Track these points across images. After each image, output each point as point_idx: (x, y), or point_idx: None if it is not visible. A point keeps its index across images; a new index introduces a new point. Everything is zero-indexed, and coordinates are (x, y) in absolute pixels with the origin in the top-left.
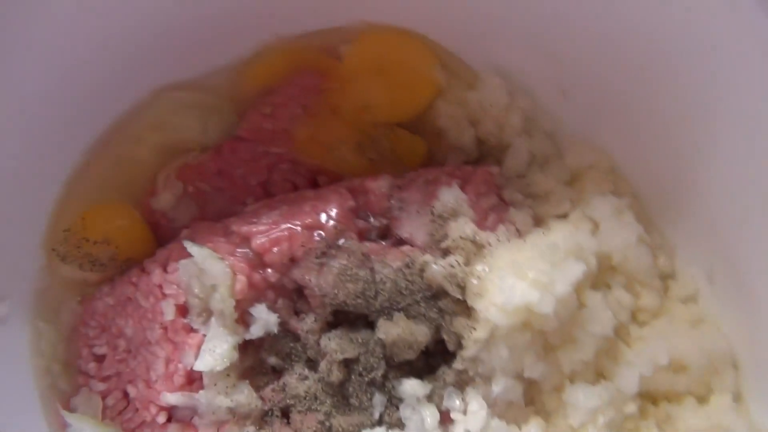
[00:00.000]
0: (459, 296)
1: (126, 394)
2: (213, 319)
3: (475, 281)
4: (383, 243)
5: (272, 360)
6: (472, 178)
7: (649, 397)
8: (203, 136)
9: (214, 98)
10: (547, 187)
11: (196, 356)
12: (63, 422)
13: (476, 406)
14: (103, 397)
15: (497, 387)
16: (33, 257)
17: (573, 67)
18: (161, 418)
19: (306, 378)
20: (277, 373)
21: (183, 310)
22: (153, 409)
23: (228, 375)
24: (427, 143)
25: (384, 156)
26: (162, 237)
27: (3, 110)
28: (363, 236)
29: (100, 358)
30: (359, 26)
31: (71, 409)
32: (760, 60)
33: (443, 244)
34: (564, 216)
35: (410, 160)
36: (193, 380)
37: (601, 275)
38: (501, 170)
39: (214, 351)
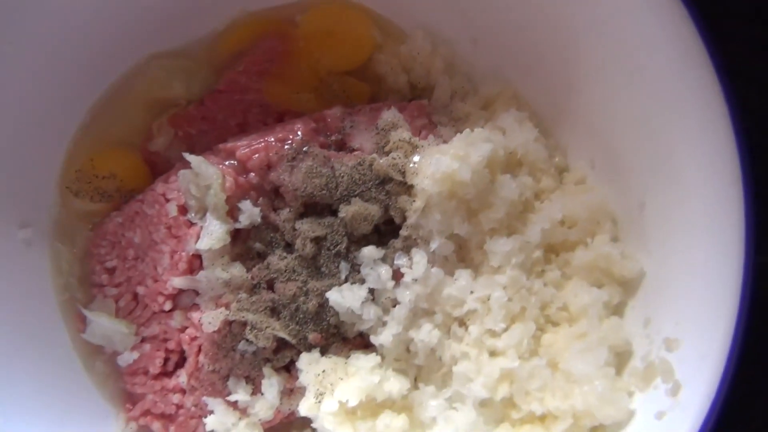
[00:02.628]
0: (401, 178)
1: (135, 296)
2: (208, 213)
3: (412, 165)
4: (340, 152)
5: (257, 246)
6: (408, 107)
7: (551, 249)
8: (187, 93)
9: (195, 63)
10: (467, 111)
11: (197, 242)
12: (82, 326)
13: (418, 257)
14: (116, 301)
15: (434, 244)
16: (51, 193)
17: (480, 21)
18: (167, 306)
19: (285, 258)
20: (261, 257)
21: (183, 210)
22: (160, 299)
23: (223, 256)
24: (371, 87)
25: (336, 98)
26: (159, 173)
27: (23, 76)
28: (324, 148)
29: (111, 270)
30: (311, 0)
31: None
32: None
33: (386, 148)
34: None
35: (358, 100)
36: (194, 268)
37: (510, 168)
38: (430, 102)
39: (211, 234)
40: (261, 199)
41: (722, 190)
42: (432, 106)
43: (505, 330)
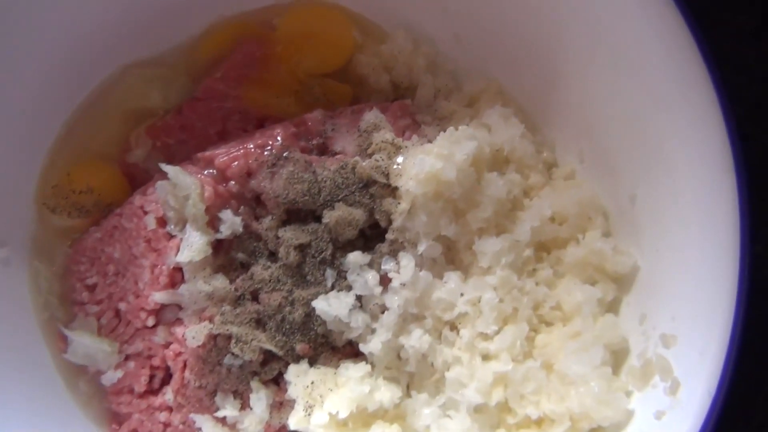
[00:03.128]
0: (384, 181)
1: (117, 312)
2: (188, 225)
3: (396, 167)
4: (322, 156)
5: (240, 256)
6: (390, 107)
7: (542, 247)
8: (165, 102)
9: (171, 71)
10: (451, 109)
11: (177, 255)
12: (63, 346)
13: (406, 261)
14: (97, 318)
15: (421, 247)
16: (27, 210)
17: (462, 16)
18: (150, 322)
19: (269, 267)
20: (245, 267)
21: (162, 222)
22: (143, 315)
23: (204, 268)
24: (352, 89)
25: (318, 101)
26: (138, 186)
27: None
28: (305, 153)
29: (91, 287)
30: (288, 2)
31: None
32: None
33: (369, 150)
34: None
35: (340, 103)
36: (176, 282)
37: (497, 166)
38: (413, 102)
39: (192, 246)
40: (242, 207)
41: (715, 179)
42: (415, 106)
43: (498, 332)
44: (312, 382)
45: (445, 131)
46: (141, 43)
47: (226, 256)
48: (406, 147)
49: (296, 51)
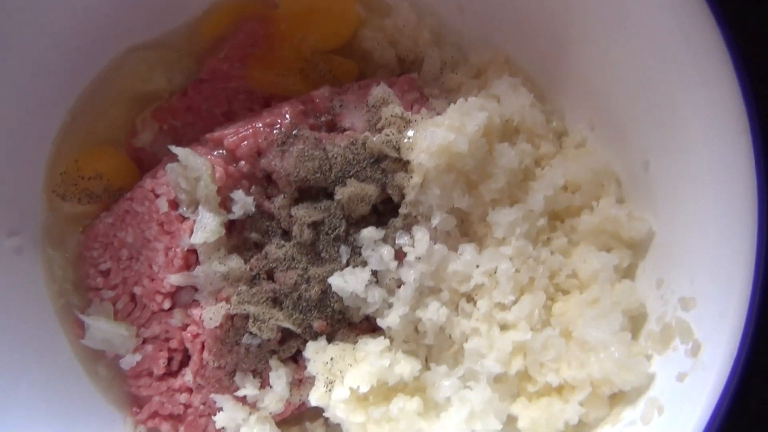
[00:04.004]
0: (396, 155)
1: (133, 296)
2: (200, 206)
3: (406, 140)
4: (331, 133)
5: (254, 236)
6: (397, 82)
7: (556, 216)
8: (169, 84)
9: (175, 53)
10: (459, 81)
11: (191, 237)
12: (80, 332)
13: (420, 234)
14: (113, 303)
15: (435, 220)
16: (38, 198)
17: None
18: (166, 305)
19: (283, 246)
20: (258, 247)
21: (174, 205)
22: (158, 298)
23: (219, 249)
24: (358, 65)
25: (324, 78)
26: (146, 170)
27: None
28: (314, 130)
29: (105, 273)
30: None
31: None
32: None
33: (378, 125)
34: None
35: (346, 79)
36: (190, 264)
37: (508, 136)
38: (420, 75)
39: (205, 227)
40: (253, 187)
41: (730, 139)
42: (422, 79)
43: (515, 302)
44: (331, 358)
45: (454, 104)
46: (142, 25)
47: (239, 236)
48: (415, 120)
49: (299, 28)
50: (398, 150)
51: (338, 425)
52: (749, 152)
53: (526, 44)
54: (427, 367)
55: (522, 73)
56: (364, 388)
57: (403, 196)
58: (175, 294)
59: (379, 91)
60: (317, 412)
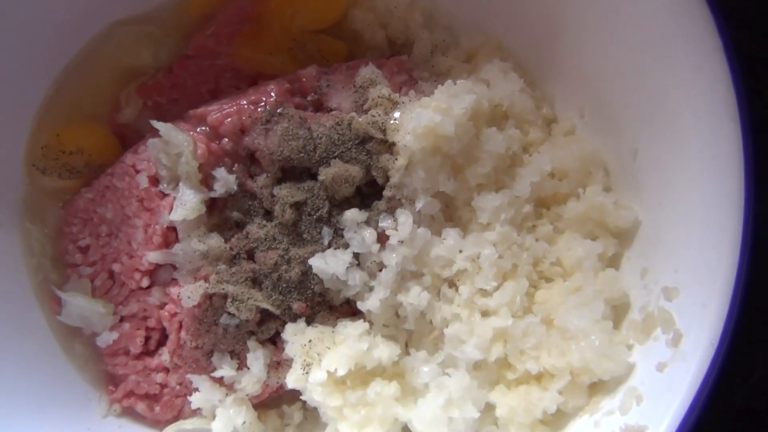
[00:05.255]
0: (381, 136)
1: (111, 273)
2: (181, 183)
3: (393, 122)
4: (317, 113)
5: (235, 215)
6: (387, 63)
7: (542, 203)
8: (155, 60)
9: (162, 28)
10: (449, 65)
11: (170, 214)
12: (57, 308)
13: (404, 218)
14: (91, 280)
15: (419, 203)
16: (18, 172)
17: None
18: (145, 283)
19: (264, 226)
20: (240, 226)
21: (154, 181)
22: (137, 276)
23: (199, 227)
24: (348, 46)
25: (312, 58)
26: (129, 146)
27: None
28: (300, 109)
29: (84, 249)
30: None
31: None
32: None
33: (365, 106)
34: None
35: (335, 60)
36: (169, 241)
37: (496, 121)
38: (410, 58)
39: (185, 204)
40: (236, 165)
41: (719, 129)
42: (412, 62)
43: (497, 288)
44: (309, 341)
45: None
46: None
47: (220, 215)
48: (402, 102)
49: (289, 6)
50: (384, 131)
51: (316, 409)
52: (738, 143)
53: (519, 30)
54: (406, 352)
55: (513, 59)
56: (341, 372)
57: (387, 179)
58: (153, 272)
59: (367, 71)
60: (295, 396)
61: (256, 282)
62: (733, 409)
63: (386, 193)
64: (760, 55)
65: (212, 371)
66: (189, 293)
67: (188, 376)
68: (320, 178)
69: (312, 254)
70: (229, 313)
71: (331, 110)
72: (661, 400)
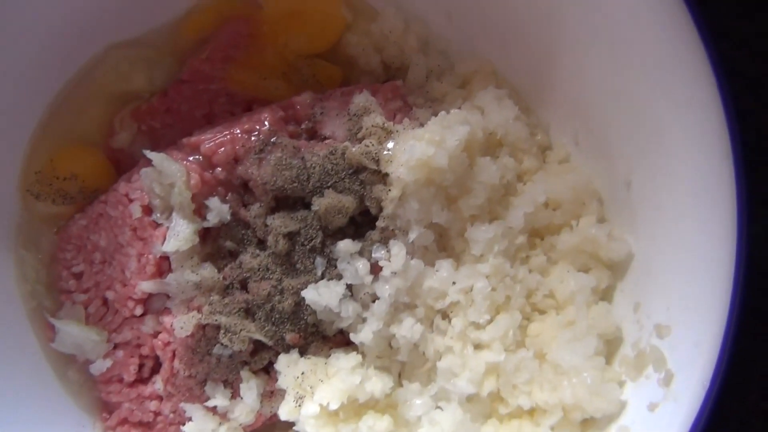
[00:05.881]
0: (375, 167)
1: (105, 301)
2: (174, 213)
3: (386, 153)
4: (311, 141)
5: (228, 244)
6: (381, 89)
7: (535, 233)
8: (150, 84)
9: (156, 52)
10: (443, 91)
11: (163, 244)
12: (51, 334)
13: (397, 249)
14: (85, 306)
15: (413, 234)
16: (11, 198)
17: None
18: (138, 311)
19: (258, 255)
20: (233, 256)
21: (148, 210)
22: (130, 304)
23: (192, 257)
24: (343, 70)
25: (307, 83)
26: (124, 171)
27: None
28: (294, 137)
29: (78, 276)
30: None
31: None
32: None
33: (359, 135)
34: None
35: (329, 85)
36: (163, 271)
37: (491, 150)
38: (405, 83)
39: (178, 235)
40: (229, 194)
41: (712, 165)
42: (407, 87)
43: (490, 321)
44: (302, 373)
45: (437, 114)
46: (124, 23)
47: (213, 244)
48: (397, 131)
49: (284, 30)
50: (377, 162)
51: None
52: (731, 178)
53: (514, 56)
54: (400, 383)
55: (508, 85)
56: (333, 405)
57: (381, 209)
58: (147, 300)
59: (362, 99)
60: (288, 424)
61: (249, 313)
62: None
63: (379, 223)
64: (759, 76)
65: (206, 400)
66: (182, 324)
67: (182, 404)
68: (314, 208)
69: (305, 285)
70: (222, 344)
71: (325, 138)
72: None
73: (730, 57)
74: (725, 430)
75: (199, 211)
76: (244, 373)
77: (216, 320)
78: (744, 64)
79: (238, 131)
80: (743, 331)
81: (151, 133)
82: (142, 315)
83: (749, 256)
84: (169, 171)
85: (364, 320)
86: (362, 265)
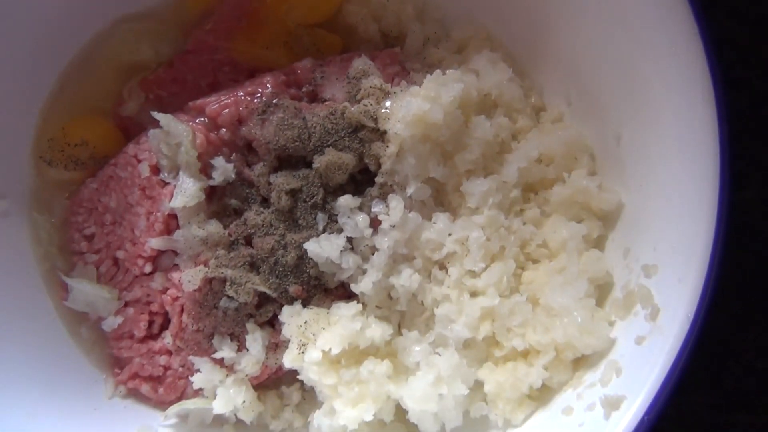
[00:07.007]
0: (373, 125)
1: (116, 260)
2: (181, 171)
3: (384, 111)
4: (312, 103)
5: (233, 203)
6: (379, 55)
7: (529, 188)
8: (156, 56)
9: (163, 24)
10: (440, 57)
11: (171, 201)
12: (64, 294)
13: (395, 203)
14: (96, 267)
15: (410, 189)
16: (25, 164)
17: None
18: (147, 268)
19: (262, 212)
20: (238, 213)
21: (155, 170)
22: (140, 262)
23: (198, 214)
24: (342, 39)
25: (308, 51)
26: (132, 138)
27: None
28: (295, 100)
29: (89, 237)
30: None
31: None
32: None
33: (358, 96)
34: None
35: (329, 53)
36: (171, 228)
37: (486, 110)
38: (403, 50)
39: (185, 192)
40: (234, 154)
41: (697, 114)
42: (405, 54)
43: (485, 270)
44: (305, 322)
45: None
46: None
47: (219, 202)
48: (394, 92)
49: (285, 1)
50: (375, 120)
51: (313, 389)
52: (713, 127)
53: (508, 22)
54: (399, 332)
55: (502, 49)
56: (335, 350)
57: (379, 166)
58: (156, 258)
59: (360, 63)
60: (293, 377)
61: (253, 266)
62: (724, 389)
63: (378, 179)
64: (752, 44)
65: (213, 353)
66: (189, 277)
67: (190, 358)
68: (315, 166)
69: (307, 239)
70: (228, 297)
71: (325, 101)
72: (640, 371)
73: (726, 27)
74: (721, 389)
75: (205, 170)
76: (250, 326)
77: (222, 273)
78: (736, 32)
79: (242, 94)
80: (738, 292)
81: (158, 101)
82: (152, 272)
83: (743, 223)
84: (175, 131)
85: (364, 272)
86: (362, 219)
